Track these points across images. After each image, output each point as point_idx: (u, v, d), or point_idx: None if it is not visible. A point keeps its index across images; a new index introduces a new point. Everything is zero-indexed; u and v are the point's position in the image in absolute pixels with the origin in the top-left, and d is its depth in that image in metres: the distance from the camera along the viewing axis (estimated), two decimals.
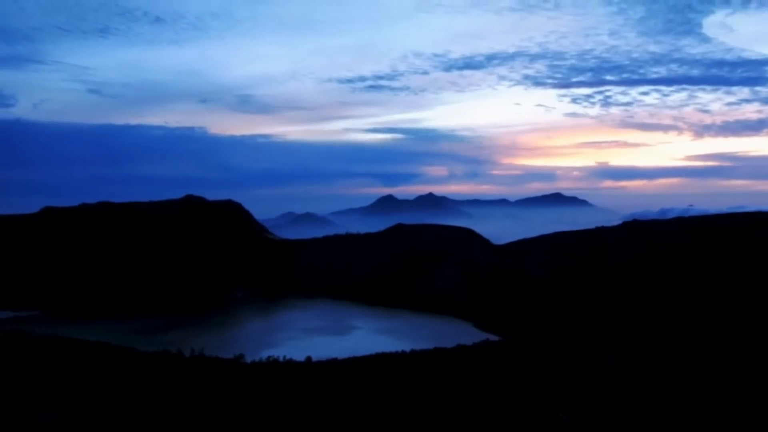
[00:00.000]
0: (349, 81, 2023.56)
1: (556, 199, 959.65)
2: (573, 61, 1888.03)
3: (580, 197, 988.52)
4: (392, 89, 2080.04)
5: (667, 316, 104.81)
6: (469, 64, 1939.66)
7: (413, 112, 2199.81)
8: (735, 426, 25.65)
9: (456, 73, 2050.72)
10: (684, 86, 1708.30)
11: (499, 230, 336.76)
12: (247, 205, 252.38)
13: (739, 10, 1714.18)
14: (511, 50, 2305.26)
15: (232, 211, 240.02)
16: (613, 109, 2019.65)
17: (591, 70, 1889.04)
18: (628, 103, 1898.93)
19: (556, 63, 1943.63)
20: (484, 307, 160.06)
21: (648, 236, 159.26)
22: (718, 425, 25.94)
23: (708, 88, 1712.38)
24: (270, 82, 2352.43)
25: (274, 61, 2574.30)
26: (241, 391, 43.12)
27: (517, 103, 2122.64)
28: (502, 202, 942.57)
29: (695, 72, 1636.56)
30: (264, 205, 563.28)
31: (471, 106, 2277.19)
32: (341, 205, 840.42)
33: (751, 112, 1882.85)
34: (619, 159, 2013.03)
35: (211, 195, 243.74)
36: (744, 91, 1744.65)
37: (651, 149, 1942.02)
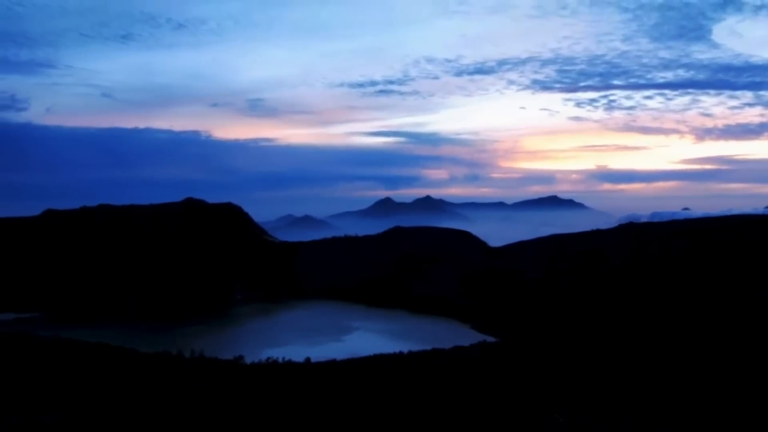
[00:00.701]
0: (360, 85, 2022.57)
1: (552, 201, 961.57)
2: (582, 66, 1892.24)
3: (577, 200, 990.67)
4: (401, 94, 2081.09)
5: (662, 318, 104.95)
6: (480, 69, 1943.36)
7: (419, 116, 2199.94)
8: (731, 426, 25.66)
9: (466, 77, 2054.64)
10: (689, 90, 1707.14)
11: (496, 232, 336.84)
12: (246, 208, 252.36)
13: (750, 17, 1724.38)
14: (524, 56, 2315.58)
15: (232, 213, 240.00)
16: (617, 113, 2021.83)
17: (600, 74, 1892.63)
18: (631, 107, 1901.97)
19: (565, 68, 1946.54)
20: (480, 309, 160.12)
21: (642, 238, 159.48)
22: (715, 426, 25.95)
23: (712, 92, 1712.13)
24: (281, 86, 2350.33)
25: (288, 65, 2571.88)
26: (241, 392, 43.07)
27: (522, 107, 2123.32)
28: (498, 205, 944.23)
29: (701, 76, 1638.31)
30: (264, 208, 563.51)
31: (477, 110, 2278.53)
32: (340, 207, 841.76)
33: (753, 116, 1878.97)
34: (619, 162, 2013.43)
35: (212, 198, 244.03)
36: (747, 95, 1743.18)
37: (651, 152, 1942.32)
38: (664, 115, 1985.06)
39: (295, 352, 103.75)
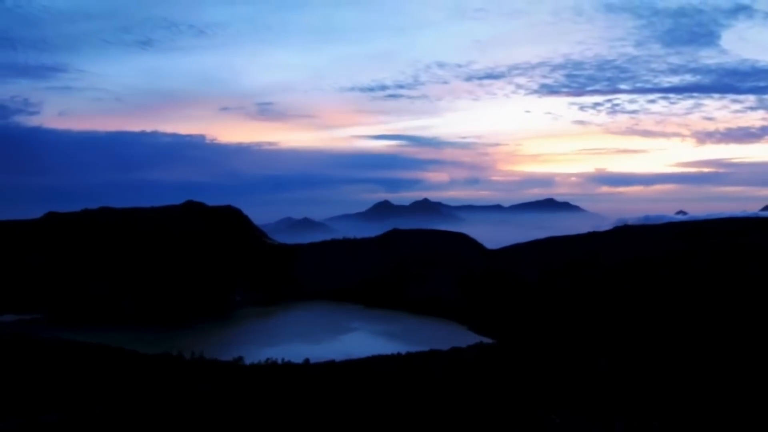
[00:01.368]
0: (371, 90, 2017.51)
1: (548, 204, 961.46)
2: (591, 71, 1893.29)
3: (573, 203, 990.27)
4: (409, 98, 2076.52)
5: (657, 320, 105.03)
6: (491, 74, 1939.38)
7: (424, 120, 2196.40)
8: (726, 427, 25.70)
9: (476, 82, 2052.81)
10: (693, 94, 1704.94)
11: (492, 235, 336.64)
12: (247, 211, 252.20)
13: (760, 23, 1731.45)
14: (535, 61, 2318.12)
15: (232, 216, 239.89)
16: (620, 117, 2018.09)
17: (607, 79, 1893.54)
18: (634, 111, 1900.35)
19: (574, 72, 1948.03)
20: (477, 310, 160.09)
21: (637, 241, 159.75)
22: (710, 426, 25.98)
23: (716, 96, 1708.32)
24: (292, 90, 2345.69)
25: (300, 68, 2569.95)
26: (241, 392, 43.03)
27: (528, 111, 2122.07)
28: (495, 208, 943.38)
29: (707, 81, 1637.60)
30: (264, 211, 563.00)
31: (482, 113, 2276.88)
32: (338, 210, 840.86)
33: (755, 119, 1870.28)
34: (619, 165, 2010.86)
35: (214, 201, 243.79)
36: (750, 99, 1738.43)
37: (650, 156, 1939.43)
38: (667, 118, 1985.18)
39: (294, 353, 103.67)
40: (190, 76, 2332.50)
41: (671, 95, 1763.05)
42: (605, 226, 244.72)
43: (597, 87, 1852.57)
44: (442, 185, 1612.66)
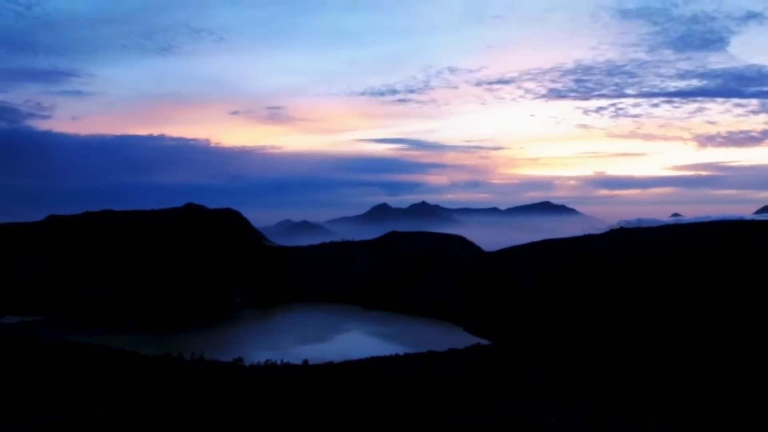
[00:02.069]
0: (381, 94, 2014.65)
1: (544, 207, 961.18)
2: (600, 76, 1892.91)
3: (569, 206, 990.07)
4: (418, 102, 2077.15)
5: (652, 321, 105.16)
6: (501, 79, 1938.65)
7: (430, 124, 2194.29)
8: (722, 426, 25.76)
9: (485, 87, 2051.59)
10: (697, 98, 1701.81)
11: (488, 237, 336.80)
12: (246, 214, 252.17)
13: None
14: (547, 66, 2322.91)
15: (231, 218, 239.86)
16: (623, 120, 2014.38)
17: (615, 84, 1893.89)
18: (637, 115, 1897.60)
19: (583, 77, 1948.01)
20: (474, 312, 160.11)
21: (632, 243, 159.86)
22: (705, 425, 26.04)
23: (720, 100, 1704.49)
24: (303, 93, 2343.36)
25: (312, 72, 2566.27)
26: (240, 393, 43.01)
27: (532, 115, 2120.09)
28: (492, 211, 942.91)
29: (712, 85, 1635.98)
30: (263, 214, 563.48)
31: (488, 118, 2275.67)
32: (337, 213, 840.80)
33: (757, 123, 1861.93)
34: (618, 168, 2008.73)
35: (215, 203, 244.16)
36: (753, 103, 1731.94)
37: (650, 159, 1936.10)
38: (670, 122, 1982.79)
39: (293, 354, 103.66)
40: (202, 80, 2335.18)
41: (676, 99, 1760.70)
42: (599, 229, 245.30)
43: (604, 92, 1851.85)
44: (442, 188, 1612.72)
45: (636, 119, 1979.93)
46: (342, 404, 35.42)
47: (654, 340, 68.71)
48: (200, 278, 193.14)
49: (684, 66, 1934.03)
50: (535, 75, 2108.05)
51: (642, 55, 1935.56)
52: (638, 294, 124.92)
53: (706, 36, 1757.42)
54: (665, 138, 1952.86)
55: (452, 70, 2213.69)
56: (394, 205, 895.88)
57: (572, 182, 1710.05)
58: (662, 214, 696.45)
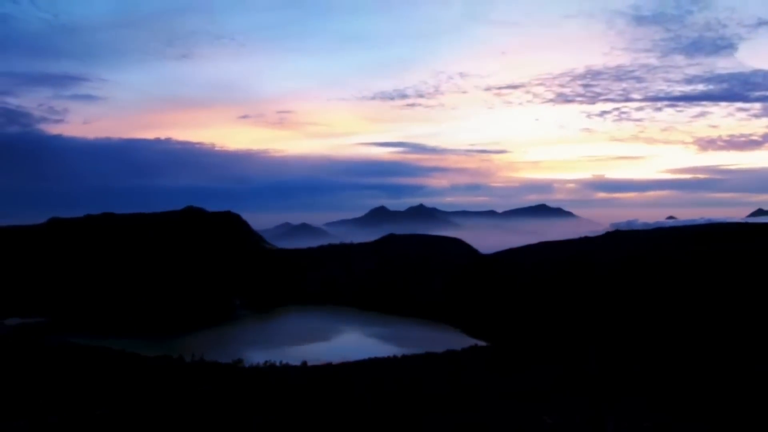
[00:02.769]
0: (391, 98, 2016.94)
1: (541, 210, 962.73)
2: (608, 81, 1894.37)
3: (565, 209, 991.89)
4: (426, 107, 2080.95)
5: (647, 322, 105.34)
6: (511, 84, 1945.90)
7: (435, 128, 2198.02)
8: (718, 426, 25.86)
9: (494, 91, 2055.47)
10: (701, 102, 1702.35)
11: (485, 240, 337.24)
12: (247, 216, 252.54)
13: None
14: (558, 71, 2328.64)
15: (231, 221, 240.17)
16: (625, 124, 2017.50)
17: (622, 89, 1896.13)
18: (640, 119, 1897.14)
19: (592, 82, 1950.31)
20: (472, 314, 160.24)
21: (628, 246, 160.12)
22: (701, 425, 26.15)
23: (723, 104, 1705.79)
24: (313, 98, 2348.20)
25: (323, 76, 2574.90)
26: (240, 393, 43.07)
27: (537, 119, 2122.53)
28: (489, 213, 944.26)
29: (717, 90, 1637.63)
30: (263, 216, 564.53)
31: (494, 122, 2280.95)
32: (335, 216, 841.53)
33: (758, 127, 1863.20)
34: (618, 172, 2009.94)
35: (217, 206, 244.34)
36: (756, 107, 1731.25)
37: (650, 162, 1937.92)
38: (673, 126, 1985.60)
39: (292, 355, 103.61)
40: (213, 85, 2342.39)
41: (680, 103, 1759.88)
42: (594, 231, 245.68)
43: (611, 96, 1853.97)
44: (442, 191, 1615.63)
45: (638, 123, 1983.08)
46: (341, 404, 35.47)
47: (649, 341, 68.91)
48: (200, 281, 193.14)
49: (692, 71, 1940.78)
50: (544, 80, 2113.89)
51: (653, 61, 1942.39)
52: (630, 296, 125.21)
53: (717, 42, 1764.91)
54: (667, 141, 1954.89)
55: (463, 75, 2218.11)
56: (392, 208, 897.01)
57: (571, 185, 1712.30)
58: (658, 217, 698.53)
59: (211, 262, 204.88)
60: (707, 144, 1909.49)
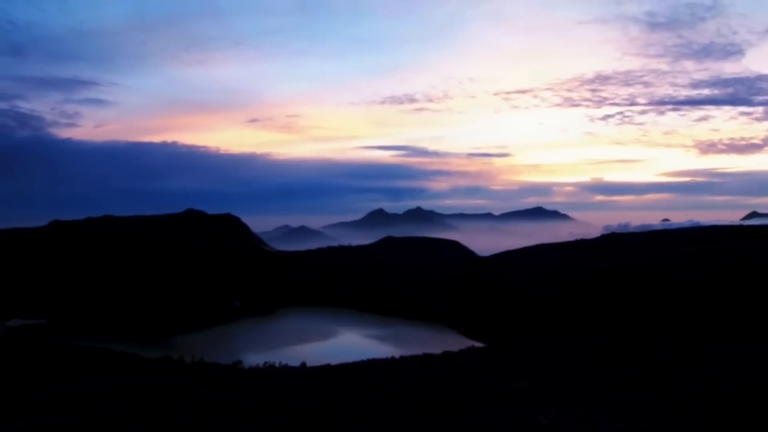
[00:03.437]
0: (400, 102, 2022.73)
1: (537, 213, 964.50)
2: (616, 86, 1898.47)
3: (561, 211, 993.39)
4: (434, 111, 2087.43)
5: (643, 323, 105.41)
6: (520, 89, 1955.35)
7: (441, 131, 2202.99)
8: (713, 426, 25.78)
9: (503, 96, 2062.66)
10: (704, 106, 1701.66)
11: (480, 242, 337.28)
12: (246, 219, 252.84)
13: None
14: (567, 76, 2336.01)
15: (230, 224, 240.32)
16: (628, 128, 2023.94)
17: (629, 93, 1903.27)
18: (642, 123, 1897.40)
19: (600, 87, 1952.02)
20: (469, 316, 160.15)
21: (623, 248, 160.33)
22: (697, 426, 26.07)
23: (726, 108, 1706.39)
24: (323, 102, 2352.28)
25: (332, 80, 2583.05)
26: (240, 394, 42.93)
27: (541, 123, 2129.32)
28: (486, 216, 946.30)
29: (722, 94, 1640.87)
30: (263, 219, 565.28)
31: (499, 126, 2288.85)
32: (334, 218, 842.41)
33: (760, 130, 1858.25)
34: (617, 175, 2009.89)
35: (218, 209, 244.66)
36: (759, 111, 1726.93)
37: (649, 165, 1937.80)
38: (675, 130, 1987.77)
39: (291, 356, 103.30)
40: (222, 88, 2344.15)
41: (684, 107, 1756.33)
42: (588, 234, 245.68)
43: (616, 101, 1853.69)
44: (442, 194, 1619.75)
45: (641, 127, 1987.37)
46: (339, 404, 35.37)
47: (646, 341, 68.88)
48: (200, 283, 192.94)
49: (699, 76, 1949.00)
50: (553, 85, 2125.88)
51: (663, 66, 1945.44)
52: (628, 297, 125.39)
53: (726, 48, 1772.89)
54: (668, 145, 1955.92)
55: (473, 80, 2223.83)
56: (390, 211, 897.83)
57: (569, 188, 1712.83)
58: (652, 220, 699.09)
59: (210, 264, 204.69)
60: (708, 147, 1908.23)
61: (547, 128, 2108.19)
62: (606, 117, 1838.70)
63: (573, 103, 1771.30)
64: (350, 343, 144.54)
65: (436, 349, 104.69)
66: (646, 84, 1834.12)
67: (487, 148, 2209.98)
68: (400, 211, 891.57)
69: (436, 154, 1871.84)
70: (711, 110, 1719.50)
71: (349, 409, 33.66)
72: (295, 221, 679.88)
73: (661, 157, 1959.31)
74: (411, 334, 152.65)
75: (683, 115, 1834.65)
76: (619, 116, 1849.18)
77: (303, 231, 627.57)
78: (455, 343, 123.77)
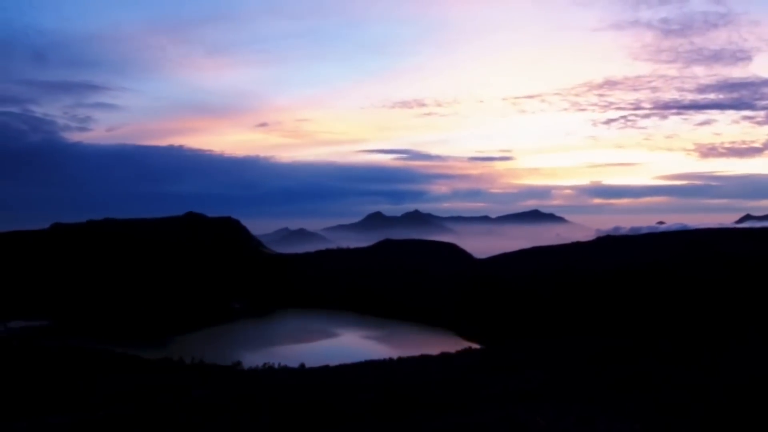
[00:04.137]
0: (410, 107, 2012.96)
1: (533, 215, 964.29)
2: (624, 90, 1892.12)
3: (558, 214, 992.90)
4: (442, 116, 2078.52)
5: (638, 324, 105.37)
6: (529, 94, 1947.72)
7: (446, 134, 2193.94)
8: (709, 427, 25.69)
9: (511, 100, 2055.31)
10: (708, 111, 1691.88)
11: (477, 244, 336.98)
12: (246, 222, 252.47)
13: None
14: (577, 81, 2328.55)
15: (230, 227, 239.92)
16: (630, 132, 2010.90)
17: (635, 98, 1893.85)
18: (645, 127, 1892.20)
19: (607, 92, 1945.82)
20: (466, 317, 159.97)
21: (618, 250, 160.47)
22: (693, 426, 25.97)
23: (729, 112, 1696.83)
24: (333, 106, 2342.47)
25: (341, 84, 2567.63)
26: (240, 394, 42.78)
27: (545, 127, 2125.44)
28: (483, 219, 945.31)
29: (727, 98, 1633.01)
30: (262, 222, 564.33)
31: (504, 130, 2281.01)
32: (333, 221, 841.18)
33: (761, 134, 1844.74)
34: (616, 178, 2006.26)
35: (219, 212, 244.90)
36: (761, 115, 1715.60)
37: (648, 168, 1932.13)
38: (677, 134, 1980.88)
39: (290, 357, 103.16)
40: (232, 92, 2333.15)
41: (687, 111, 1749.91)
42: (589, 236, 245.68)
43: (622, 105, 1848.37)
44: (441, 198, 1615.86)
45: (643, 131, 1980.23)
46: (337, 404, 35.22)
47: (643, 342, 68.85)
48: (200, 285, 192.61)
49: (706, 81, 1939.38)
50: (561, 90, 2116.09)
51: (672, 72, 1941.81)
52: (624, 298, 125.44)
53: (736, 54, 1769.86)
54: (669, 149, 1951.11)
55: (483, 85, 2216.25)
56: (388, 214, 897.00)
57: (568, 191, 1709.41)
58: (648, 223, 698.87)
59: (210, 266, 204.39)
60: (708, 151, 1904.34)
61: (551, 132, 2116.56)
62: (609, 121, 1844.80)
63: (579, 108, 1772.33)
64: (348, 344, 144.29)
65: (434, 350, 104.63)
66: (654, 89, 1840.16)
67: (491, 152, 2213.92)
68: (398, 214, 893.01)
69: (438, 157, 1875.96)
70: (714, 114, 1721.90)
71: (347, 410, 33.55)
72: (294, 224, 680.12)
73: (661, 160, 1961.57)
74: (409, 335, 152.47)
75: (686, 119, 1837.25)
76: (622, 120, 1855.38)
77: (302, 234, 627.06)
78: (452, 344, 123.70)
